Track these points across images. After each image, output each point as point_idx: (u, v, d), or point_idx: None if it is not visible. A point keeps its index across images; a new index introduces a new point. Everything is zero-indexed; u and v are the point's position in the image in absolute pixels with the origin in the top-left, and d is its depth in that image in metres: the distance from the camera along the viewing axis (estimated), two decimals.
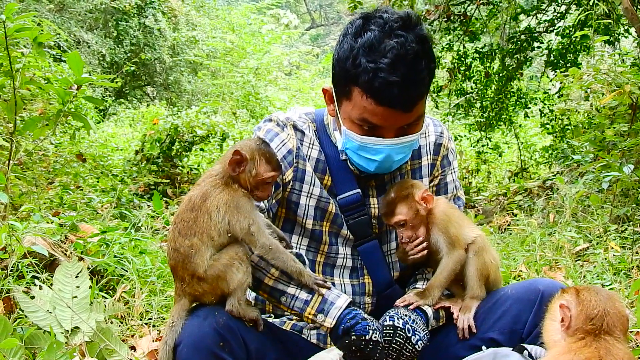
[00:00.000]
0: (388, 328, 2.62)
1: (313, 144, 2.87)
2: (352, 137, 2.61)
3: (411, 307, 2.74)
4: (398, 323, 2.62)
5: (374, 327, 2.54)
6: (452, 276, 2.82)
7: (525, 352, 2.35)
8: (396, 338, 2.60)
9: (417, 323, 2.67)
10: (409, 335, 2.61)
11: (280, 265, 2.51)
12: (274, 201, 2.83)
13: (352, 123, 2.59)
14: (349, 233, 2.86)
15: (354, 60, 2.44)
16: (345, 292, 2.86)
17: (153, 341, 4.25)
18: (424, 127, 2.80)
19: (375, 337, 2.50)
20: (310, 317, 2.60)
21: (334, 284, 2.86)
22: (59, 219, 5.57)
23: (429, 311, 2.77)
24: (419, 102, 2.51)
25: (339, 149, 2.83)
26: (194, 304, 2.49)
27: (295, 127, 2.88)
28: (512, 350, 2.42)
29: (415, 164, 2.96)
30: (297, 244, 2.91)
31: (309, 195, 2.82)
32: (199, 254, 2.40)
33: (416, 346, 2.61)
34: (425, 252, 2.83)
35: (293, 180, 2.82)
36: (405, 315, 2.67)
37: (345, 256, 2.90)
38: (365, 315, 2.59)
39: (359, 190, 2.84)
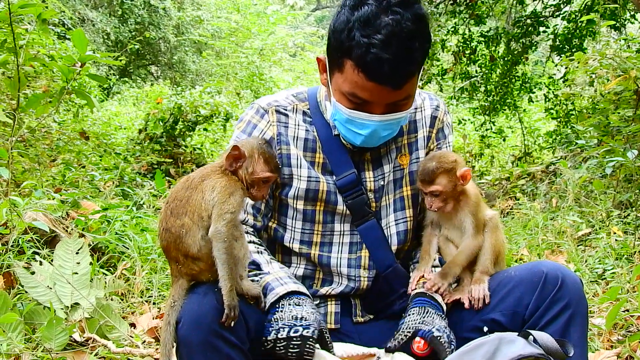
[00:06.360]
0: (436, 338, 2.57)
1: (299, 125, 2.88)
2: (340, 109, 2.61)
3: (434, 289, 2.74)
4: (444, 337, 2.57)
5: (285, 327, 2.44)
6: (472, 258, 2.84)
7: (531, 337, 2.33)
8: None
9: (451, 332, 2.64)
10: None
11: (218, 259, 2.33)
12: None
13: (341, 95, 2.59)
14: (345, 210, 2.86)
15: (348, 33, 2.43)
16: (340, 266, 2.88)
17: (153, 319, 4.27)
18: (420, 101, 2.92)
19: (281, 336, 2.42)
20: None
21: (330, 259, 2.88)
22: (61, 195, 5.58)
23: (440, 300, 2.77)
24: (408, 81, 2.50)
25: (327, 119, 2.85)
26: (193, 283, 2.46)
27: (278, 111, 2.88)
28: (518, 335, 2.39)
29: (411, 137, 2.96)
30: (292, 227, 2.90)
31: (299, 177, 2.82)
32: (190, 234, 2.35)
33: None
34: None
35: (281, 167, 2.83)
36: (444, 327, 2.62)
37: (342, 233, 2.89)
38: (297, 311, 2.50)
39: (354, 170, 2.84)
